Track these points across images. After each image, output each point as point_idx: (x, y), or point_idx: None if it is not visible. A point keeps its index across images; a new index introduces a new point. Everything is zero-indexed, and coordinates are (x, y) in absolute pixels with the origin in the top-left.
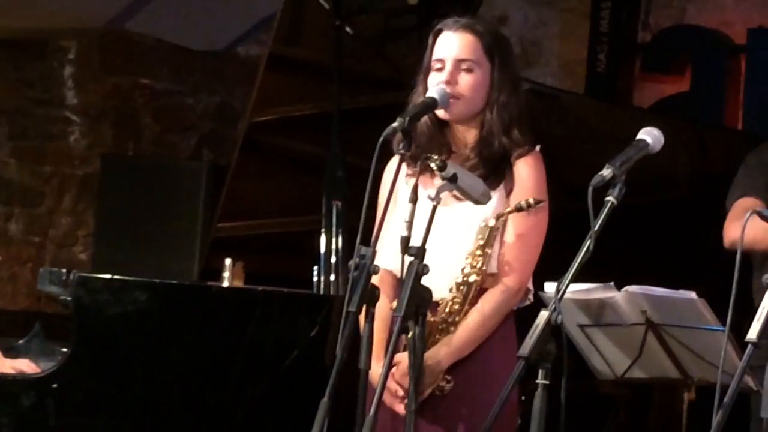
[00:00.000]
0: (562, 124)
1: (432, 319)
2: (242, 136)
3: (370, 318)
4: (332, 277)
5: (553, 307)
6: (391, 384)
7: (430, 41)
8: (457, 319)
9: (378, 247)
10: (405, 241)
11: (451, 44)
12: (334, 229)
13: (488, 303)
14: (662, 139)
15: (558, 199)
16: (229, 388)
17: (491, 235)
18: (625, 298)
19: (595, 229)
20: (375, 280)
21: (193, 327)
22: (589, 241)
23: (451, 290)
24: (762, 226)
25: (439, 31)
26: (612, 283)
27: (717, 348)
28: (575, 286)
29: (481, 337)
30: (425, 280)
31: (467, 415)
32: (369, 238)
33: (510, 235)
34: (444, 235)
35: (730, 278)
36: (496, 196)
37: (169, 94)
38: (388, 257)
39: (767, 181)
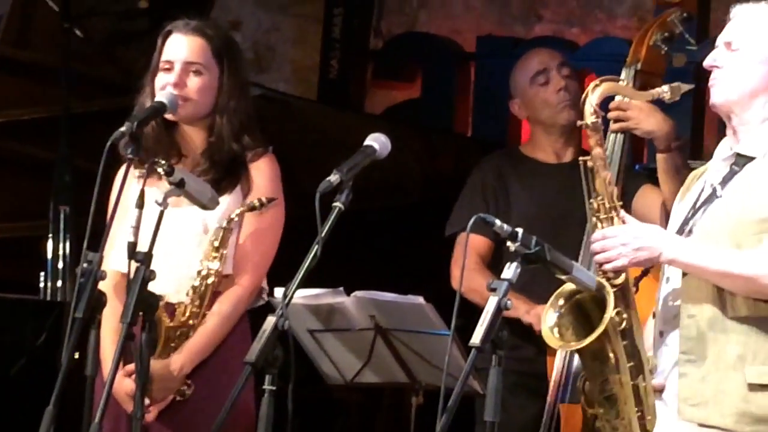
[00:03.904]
0: (294, 130)
1: (170, 324)
2: None
3: (97, 324)
4: (59, 283)
5: (280, 312)
6: (131, 388)
7: (159, 42)
8: (195, 322)
9: (110, 251)
10: (132, 246)
11: (181, 47)
12: (61, 234)
13: (225, 305)
14: (389, 145)
15: (291, 204)
16: None
17: (225, 236)
18: (353, 303)
19: (323, 234)
20: (104, 285)
21: None
22: (316, 246)
23: (188, 294)
24: (480, 289)
25: (169, 33)
26: (341, 288)
27: (444, 352)
28: (305, 291)
29: (220, 339)
30: (160, 286)
31: (210, 417)
32: (96, 244)
33: (244, 235)
34: (177, 239)
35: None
36: (231, 198)
37: None
38: (120, 260)
39: (487, 205)
